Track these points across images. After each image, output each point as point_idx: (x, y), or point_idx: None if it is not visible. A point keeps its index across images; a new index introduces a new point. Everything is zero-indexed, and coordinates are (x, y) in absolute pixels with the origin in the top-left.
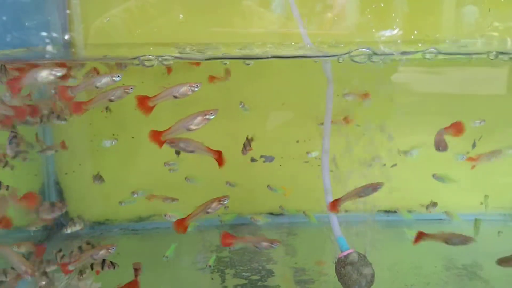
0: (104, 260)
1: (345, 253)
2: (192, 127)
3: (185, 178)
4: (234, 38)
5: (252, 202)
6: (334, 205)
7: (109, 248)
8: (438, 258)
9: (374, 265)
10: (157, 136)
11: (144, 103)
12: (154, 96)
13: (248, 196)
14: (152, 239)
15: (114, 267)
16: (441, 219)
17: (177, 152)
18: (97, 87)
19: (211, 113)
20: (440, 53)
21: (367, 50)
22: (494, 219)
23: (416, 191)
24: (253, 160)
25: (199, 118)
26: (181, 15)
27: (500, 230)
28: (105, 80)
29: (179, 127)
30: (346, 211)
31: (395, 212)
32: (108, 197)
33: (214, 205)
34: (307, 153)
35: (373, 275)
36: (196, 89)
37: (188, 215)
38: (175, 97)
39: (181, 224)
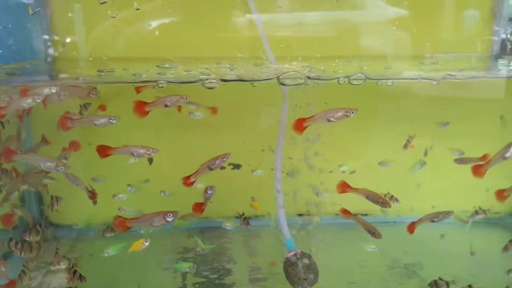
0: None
1: (291, 253)
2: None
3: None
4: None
5: (221, 207)
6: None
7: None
8: (384, 258)
9: (321, 264)
10: (104, 151)
11: (141, 107)
12: (151, 103)
13: (217, 201)
14: (126, 241)
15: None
16: (395, 222)
17: (150, 160)
18: (95, 125)
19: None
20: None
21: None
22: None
23: None
24: (222, 168)
25: (141, 150)
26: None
27: (444, 233)
28: (103, 120)
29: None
30: (308, 214)
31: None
32: (85, 201)
33: (217, 162)
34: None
35: (316, 273)
36: (184, 100)
37: (193, 173)
38: (166, 105)
39: (186, 181)
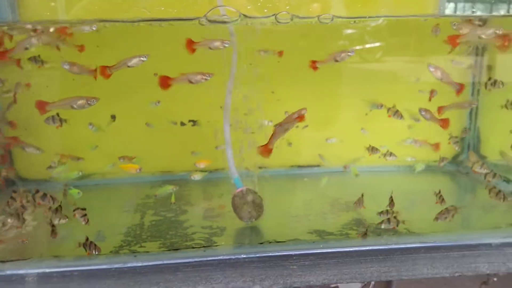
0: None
1: (238, 190)
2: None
3: None
4: None
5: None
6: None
7: None
8: (327, 198)
9: (269, 202)
10: (42, 106)
11: (166, 81)
12: (174, 78)
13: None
14: (92, 194)
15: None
16: (342, 172)
17: (113, 117)
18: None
19: (93, 100)
20: None
21: None
22: (390, 170)
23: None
24: (182, 124)
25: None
26: None
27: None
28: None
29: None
30: (260, 167)
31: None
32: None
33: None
34: None
35: (261, 207)
36: (208, 77)
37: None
38: (191, 82)
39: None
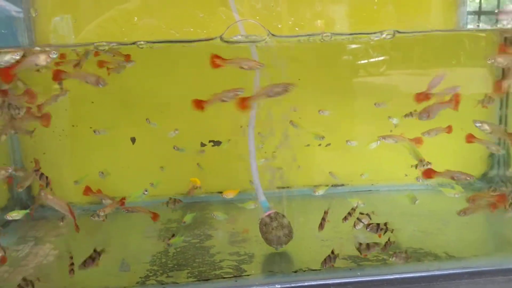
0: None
1: (266, 213)
2: (38, 62)
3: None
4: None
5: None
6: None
7: None
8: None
9: (298, 225)
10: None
11: (200, 104)
12: (208, 101)
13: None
14: (110, 219)
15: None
16: (370, 190)
17: (133, 139)
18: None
19: (53, 53)
20: None
21: None
22: (417, 188)
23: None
24: (202, 145)
25: (43, 56)
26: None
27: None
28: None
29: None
30: (288, 187)
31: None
32: (70, 181)
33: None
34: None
35: (290, 232)
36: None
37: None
38: (224, 101)
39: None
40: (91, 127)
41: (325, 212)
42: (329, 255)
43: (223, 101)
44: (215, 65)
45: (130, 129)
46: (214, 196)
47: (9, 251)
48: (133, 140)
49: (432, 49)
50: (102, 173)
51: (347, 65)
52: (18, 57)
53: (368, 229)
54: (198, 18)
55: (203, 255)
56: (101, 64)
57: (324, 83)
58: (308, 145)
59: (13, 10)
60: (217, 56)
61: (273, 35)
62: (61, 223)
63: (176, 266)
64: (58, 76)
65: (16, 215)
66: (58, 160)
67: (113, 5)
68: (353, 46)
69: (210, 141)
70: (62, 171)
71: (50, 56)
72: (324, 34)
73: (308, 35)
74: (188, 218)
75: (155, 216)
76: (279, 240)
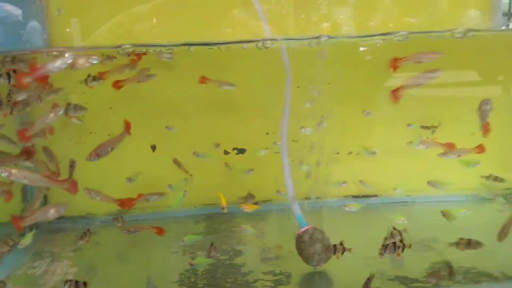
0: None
1: (303, 229)
2: (77, 66)
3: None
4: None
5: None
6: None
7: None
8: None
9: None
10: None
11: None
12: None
13: (224, 185)
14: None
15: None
16: (405, 202)
17: (153, 147)
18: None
19: (94, 58)
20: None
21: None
22: (456, 199)
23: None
24: (226, 153)
25: (82, 60)
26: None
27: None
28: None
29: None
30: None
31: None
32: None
33: None
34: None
35: (329, 247)
36: None
37: None
38: None
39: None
40: (109, 134)
41: (368, 279)
42: (368, 278)
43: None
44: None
45: (150, 136)
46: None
47: (25, 269)
48: (153, 147)
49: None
50: (130, 179)
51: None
52: (70, 61)
53: (385, 252)
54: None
55: (234, 274)
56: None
57: (355, 88)
58: (337, 153)
59: (27, 12)
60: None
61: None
62: (81, 241)
63: (207, 287)
64: (117, 85)
65: (28, 241)
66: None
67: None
68: None
69: (234, 149)
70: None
71: (90, 61)
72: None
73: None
74: (190, 238)
75: (160, 231)
76: (319, 258)
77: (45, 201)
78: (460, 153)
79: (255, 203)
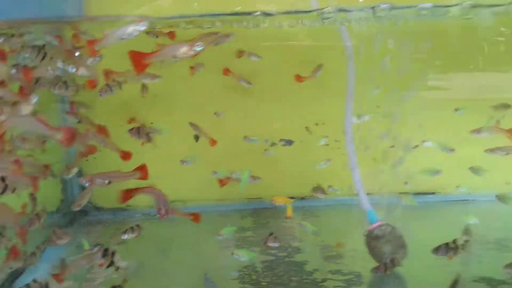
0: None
1: (375, 225)
2: (178, 55)
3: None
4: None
5: (272, 187)
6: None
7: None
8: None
9: (411, 238)
10: (138, 58)
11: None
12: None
13: (268, 180)
14: (172, 224)
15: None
16: (467, 200)
17: (196, 137)
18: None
19: (198, 45)
20: None
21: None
22: None
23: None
24: (272, 144)
25: (185, 48)
26: None
27: None
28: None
29: (164, 53)
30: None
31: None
32: (130, 184)
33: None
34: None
35: (406, 248)
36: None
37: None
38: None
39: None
40: (152, 123)
41: (455, 282)
42: (455, 281)
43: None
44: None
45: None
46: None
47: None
48: (196, 138)
49: None
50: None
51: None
52: (143, 28)
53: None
54: None
55: (298, 273)
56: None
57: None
58: (416, 146)
59: None
60: None
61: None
62: (127, 235)
63: (272, 286)
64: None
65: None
66: (110, 161)
67: None
68: None
69: (281, 140)
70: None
71: (194, 49)
72: None
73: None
74: (227, 231)
75: (196, 218)
76: (393, 258)
77: None
78: None
79: (291, 198)
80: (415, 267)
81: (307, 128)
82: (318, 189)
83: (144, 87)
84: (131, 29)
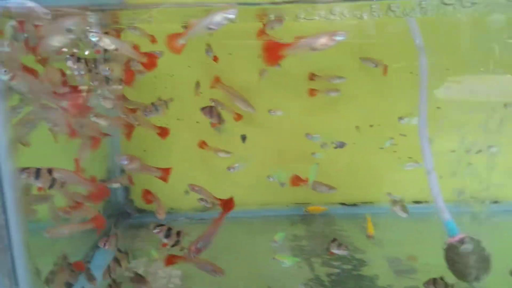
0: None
1: (457, 238)
2: (316, 46)
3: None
4: None
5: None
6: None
7: None
8: None
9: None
10: (274, 49)
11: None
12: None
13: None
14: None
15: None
16: None
17: (243, 138)
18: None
19: (339, 34)
20: None
21: None
22: None
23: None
24: (323, 145)
25: (324, 39)
26: None
27: None
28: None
29: (302, 45)
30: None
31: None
32: (174, 186)
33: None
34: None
35: (489, 263)
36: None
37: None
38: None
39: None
40: (197, 122)
41: None
42: None
43: None
44: None
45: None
46: (336, 208)
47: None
48: (243, 138)
49: None
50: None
51: None
52: (232, 17)
53: None
54: None
55: None
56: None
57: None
58: (453, 151)
59: None
60: None
61: None
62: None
63: None
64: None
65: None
66: (160, 157)
67: None
68: None
69: (333, 143)
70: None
71: (335, 38)
72: None
73: None
74: (280, 236)
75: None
76: (477, 272)
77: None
78: None
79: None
80: (503, 285)
81: (357, 127)
82: (397, 203)
83: (197, 84)
84: (219, 17)
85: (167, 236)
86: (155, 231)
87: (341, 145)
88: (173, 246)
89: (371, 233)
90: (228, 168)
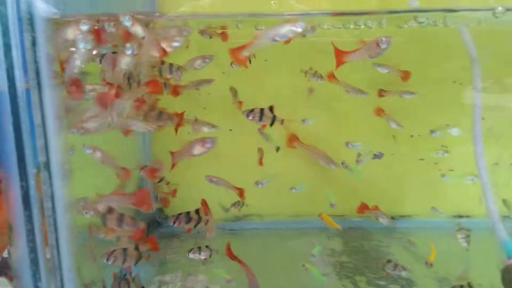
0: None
1: None
2: (277, 38)
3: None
4: None
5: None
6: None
7: None
8: None
9: None
10: (237, 53)
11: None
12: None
13: (353, 196)
14: (248, 239)
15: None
16: None
17: (277, 149)
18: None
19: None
20: None
21: None
22: None
23: None
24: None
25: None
26: None
27: None
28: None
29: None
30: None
31: None
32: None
33: None
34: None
35: None
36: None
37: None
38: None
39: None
40: (230, 130)
41: None
42: None
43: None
44: None
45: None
46: (372, 222)
47: (157, 284)
48: (277, 149)
49: None
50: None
51: None
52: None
53: None
54: None
55: None
56: None
57: None
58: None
59: None
60: None
61: None
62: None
63: None
64: None
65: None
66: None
67: None
68: None
69: (370, 152)
70: (194, 172)
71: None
72: None
73: None
74: (318, 250)
75: (241, 192)
76: None
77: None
78: None
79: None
80: None
81: (394, 137)
82: (461, 231)
83: (233, 90)
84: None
85: (188, 221)
86: (175, 224)
87: (379, 156)
88: (195, 226)
89: (431, 261)
90: (256, 183)
